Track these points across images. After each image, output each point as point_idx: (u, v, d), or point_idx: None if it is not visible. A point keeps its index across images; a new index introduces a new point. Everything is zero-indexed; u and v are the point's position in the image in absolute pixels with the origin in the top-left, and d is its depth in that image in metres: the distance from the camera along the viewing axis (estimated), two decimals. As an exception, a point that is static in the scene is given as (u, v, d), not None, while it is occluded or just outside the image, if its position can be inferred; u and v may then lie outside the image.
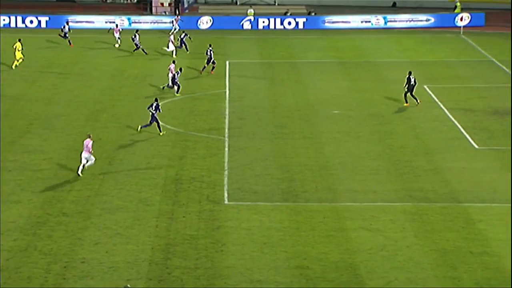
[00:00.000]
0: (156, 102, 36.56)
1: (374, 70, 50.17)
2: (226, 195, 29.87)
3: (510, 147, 34.97)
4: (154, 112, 36.25)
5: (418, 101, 41.14)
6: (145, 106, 42.17)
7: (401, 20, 65.13)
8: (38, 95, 43.77)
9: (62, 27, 56.47)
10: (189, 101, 42.88)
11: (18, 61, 49.08)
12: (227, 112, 40.74)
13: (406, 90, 41.15)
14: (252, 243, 25.86)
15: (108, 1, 74.95)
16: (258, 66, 51.01)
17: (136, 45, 53.35)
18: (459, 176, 31.52)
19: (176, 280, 23.67)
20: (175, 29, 60.48)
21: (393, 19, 65.07)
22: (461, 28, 61.86)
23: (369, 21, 64.91)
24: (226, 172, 32.17)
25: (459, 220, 27.40)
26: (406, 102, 41.18)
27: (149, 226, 27.17)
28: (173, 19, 62.03)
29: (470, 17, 64.33)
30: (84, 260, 24.72)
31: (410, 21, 65.06)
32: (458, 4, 67.67)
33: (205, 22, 63.82)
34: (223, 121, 39.20)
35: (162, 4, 69.40)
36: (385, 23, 64.92)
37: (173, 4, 69.28)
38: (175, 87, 43.42)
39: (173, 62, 45.25)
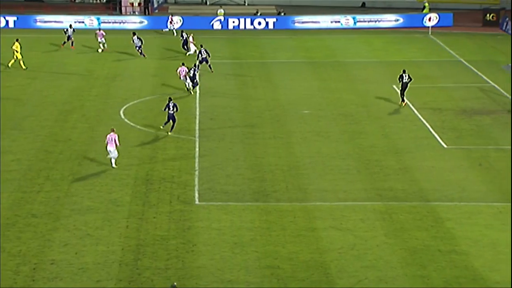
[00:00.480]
0: (171, 102, 36.51)
1: (344, 70, 50.39)
2: (196, 195, 29.81)
3: (477, 146, 35.35)
4: (172, 111, 36.23)
5: (404, 103, 41.07)
6: (115, 106, 41.98)
7: (370, 21, 65.48)
8: (6, 95, 43.32)
9: (65, 30, 54.98)
10: (159, 102, 42.71)
11: (20, 61, 48.57)
12: (197, 113, 40.66)
13: (400, 89, 41.23)
14: (223, 243, 25.84)
15: (76, 1, 74.39)
16: (228, 66, 50.98)
17: (137, 47, 52.00)
18: (428, 175, 31.77)
19: (147, 281, 23.58)
20: (170, 29, 59.95)
21: (362, 20, 65.40)
22: (430, 28, 62.35)
23: (339, 21, 65.18)
24: (196, 173, 32.12)
25: (428, 219, 27.62)
26: (403, 100, 41.26)
27: (119, 227, 27.03)
28: (168, 20, 61.43)
29: (438, 17, 64.87)
30: (54, 261, 24.52)
31: (379, 21, 65.44)
32: (427, 4, 68.20)
33: (175, 22, 63.57)
34: (193, 122, 39.10)
35: (131, 4, 69.07)
36: (354, 23, 65.22)
37: (142, 4, 68.97)
38: (189, 84, 43.45)
39: (182, 64, 44.75)
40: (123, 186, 30.60)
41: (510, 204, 28.89)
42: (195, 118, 39.72)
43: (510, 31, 61.65)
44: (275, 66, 51.54)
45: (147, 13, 68.26)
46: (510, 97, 42.95)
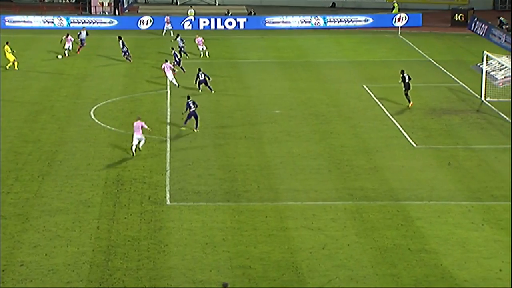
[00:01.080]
0: (190, 100, 36.76)
1: (314, 70, 50.56)
2: (168, 195, 29.72)
3: (446, 146, 35.65)
4: (193, 109, 36.42)
5: (411, 103, 41.00)
6: (85, 107, 41.74)
7: (340, 21, 65.78)
8: (-26, 96, 42.85)
9: (79, 33, 53.32)
10: (130, 102, 42.54)
11: (13, 63, 48.22)
12: (168, 113, 40.53)
13: (404, 89, 41.23)
14: (194, 243, 25.79)
15: (46, 1, 73.77)
16: (200, 66, 50.80)
17: (124, 51, 51.31)
18: (398, 175, 31.98)
19: (118, 282, 23.45)
20: (167, 30, 59.64)
21: (332, 20, 65.68)
22: (399, 28, 62.78)
23: (309, 22, 65.38)
24: (167, 173, 32.01)
25: (398, 218, 27.80)
26: (409, 101, 41.33)
27: (90, 227, 26.85)
28: (165, 20, 60.97)
29: (407, 17, 65.36)
30: (23, 263, 24.29)
31: (349, 21, 65.75)
32: (396, 4, 68.66)
33: (145, 22, 63.39)
34: (164, 122, 38.97)
35: (101, 4, 68.64)
36: (325, 23, 65.49)
37: (112, 4, 68.59)
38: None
39: (166, 60, 44.78)
40: (94, 187, 30.40)
41: (480, 203, 29.18)
42: (166, 118, 39.59)
43: (478, 31, 62.27)
44: (246, 66, 51.55)
45: (117, 13, 67.88)
46: (479, 96, 43.38)
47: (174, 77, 44.57)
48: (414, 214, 28.14)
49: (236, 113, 40.50)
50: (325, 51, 56.87)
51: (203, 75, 43.79)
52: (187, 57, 51.42)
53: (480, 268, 24.26)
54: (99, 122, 38.72)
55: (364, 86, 46.08)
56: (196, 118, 36.89)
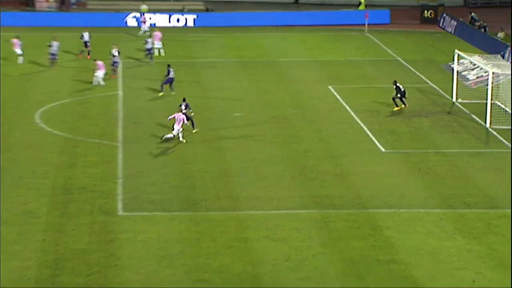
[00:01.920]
0: (184, 102, 37.17)
1: (277, 70, 50.72)
2: (120, 205, 29.55)
3: (416, 150, 36.02)
4: (185, 111, 36.68)
5: (406, 105, 41.40)
6: (30, 110, 41.31)
7: (304, 18, 66.08)
8: None
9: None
10: (79, 104, 42.23)
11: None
12: (120, 116, 40.33)
13: (399, 96, 41.22)
14: (149, 256, 25.67)
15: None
16: (153, 66, 50.71)
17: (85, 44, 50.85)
18: (365, 181, 32.20)
19: (66, 299, 23.24)
20: (144, 31, 58.98)
21: (296, 17, 65.94)
22: (366, 25, 63.29)
23: (271, 19, 65.58)
24: (120, 181, 31.84)
25: (366, 227, 27.98)
26: (397, 105, 41.41)
27: (35, 240, 26.57)
28: (141, 20, 60.32)
29: (374, 14, 65.90)
30: (-37, 280, 23.95)
31: (313, 18, 66.09)
32: (362, 0, 69.21)
33: (94, 19, 62.97)
34: (116, 126, 38.77)
35: (46, -1, 68.06)
36: (288, 20, 65.73)
37: (58, -1, 68.04)
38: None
39: (94, 60, 45.19)
40: (40, 196, 30.11)
41: (452, 210, 29.50)
42: (118, 121, 39.39)
43: (449, 29, 63.05)
44: (204, 66, 51.52)
45: (63, 9, 67.34)
46: (450, 98, 43.91)
47: (103, 76, 44.52)
48: (383, 223, 28.36)
49: (194, 116, 40.41)
50: (289, 50, 57.09)
51: (172, 73, 43.68)
52: (151, 62, 51.09)
53: (452, 280, 24.52)
54: (45, 126, 38.37)
55: (330, 87, 46.35)
56: (190, 120, 37.17)
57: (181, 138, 35.80)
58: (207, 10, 68.87)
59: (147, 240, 26.72)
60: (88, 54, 51.49)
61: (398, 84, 41.68)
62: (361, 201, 30.26)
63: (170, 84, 43.82)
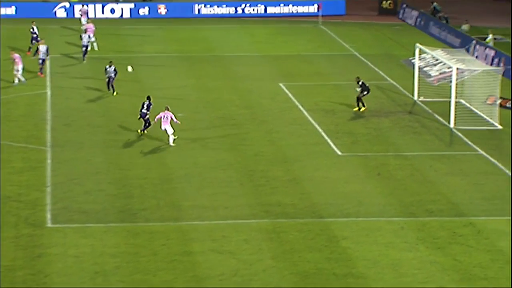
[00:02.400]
0: (147, 101, 37.41)
1: (223, 66, 50.77)
2: (49, 216, 29.32)
3: (375, 153, 36.35)
4: (146, 111, 37.14)
5: (363, 108, 41.46)
6: None
7: (253, 7, 66.23)
8: None
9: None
10: (2, 105, 41.72)
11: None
12: (49, 117, 40.00)
13: (363, 95, 41.18)
14: (82, 272, 25.51)
15: None
16: (85, 63, 50.31)
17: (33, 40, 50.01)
18: (320, 187, 32.41)
19: (-11, 322, 22.96)
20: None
21: (243, 7, 66.07)
22: (319, 17, 63.72)
23: (215, 8, 65.59)
24: (48, 189, 31.60)
25: (321, 238, 28.16)
26: (361, 106, 41.43)
27: (-46, 257, 26.21)
28: (80, 12, 59.31)
29: (329, 5, 66.35)
30: None
31: (262, 9, 66.28)
32: (316, -11, 69.65)
33: (13, 9, 62.18)
34: (44, 128, 38.45)
35: None
36: (235, 11, 65.84)
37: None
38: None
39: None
40: (-42, 207, 29.71)
41: (413, 219, 29.83)
42: (46, 124, 39.06)
43: (409, 20, 63.80)
44: (142, 61, 51.32)
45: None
46: (411, 96, 44.42)
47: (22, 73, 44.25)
48: (339, 233, 28.55)
49: (131, 118, 40.24)
50: (235, 43, 57.18)
51: (113, 71, 43.38)
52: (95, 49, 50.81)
53: (415, 294, 24.82)
54: (-36, 129, 37.89)
55: (281, 84, 46.54)
56: (145, 121, 37.30)
57: (171, 142, 36.14)
58: (144, 0, 68.61)
59: (79, 255, 26.53)
60: (37, 50, 50.43)
61: (362, 81, 41.60)
62: (316, 209, 30.43)
63: (109, 82, 43.56)
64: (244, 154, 35.90)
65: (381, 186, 32.66)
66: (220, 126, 39.35)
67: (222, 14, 65.61)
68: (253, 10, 65.99)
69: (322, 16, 63.77)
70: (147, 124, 37.39)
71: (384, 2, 67.87)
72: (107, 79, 43.68)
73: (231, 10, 65.83)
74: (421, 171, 34.31)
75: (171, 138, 36.23)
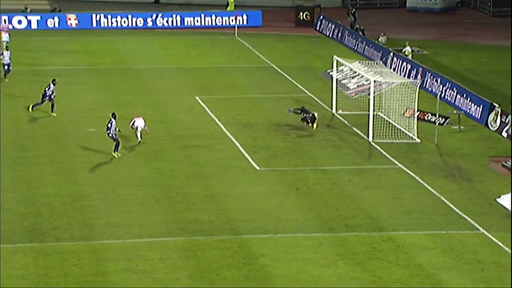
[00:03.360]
0: (113, 119, 37.19)
1: (137, 79, 50.55)
2: (-47, 237, 28.73)
3: (294, 168, 36.65)
4: (109, 131, 36.97)
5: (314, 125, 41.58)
6: None
7: (166, 19, 66.14)
8: None
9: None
10: None
11: None
12: (-48, 133, 39.22)
13: (307, 115, 41.16)
14: (-11, 296, 25.06)
15: None
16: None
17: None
18: (238, 203, 32.51)
19: None
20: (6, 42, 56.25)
21: (156, 18, 65.92)
22: (236, 28, 64.01)
23: (128, 20, 65.32)
24: (-47, 209, 30.96)
25: (239, 256, 28.24)
26: (314, 124, 41.22)
27: None
28: (3, 28, 57.34)
29: (245, 15, 66.74)
30: None
31: (176, 20, 66.24)
32: (231, 1, 69.97)
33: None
34: None
35: None
36: (148, 23, 65.64)
37: None
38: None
39: None
40: None
41: (333, 234, 30.15)
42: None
43: (326, 32, 64.54)
44: (51, 74, 50.62)
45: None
46: (329, 109, 44.93)
47: None
48: (258, 250, 28.68)
49: (40, 133, 39.75)
50: (149, 56, 57.00)
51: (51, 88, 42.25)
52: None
53: (335, 311, 25.09)
54: None
55: (197, 97, 46.56)
56: (113, 139, 36.99)
57: (139, 138, 38.61)
58: (53, 10, 67.92)
59: (-14, 278, 26.07)
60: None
61: (305, 109, 41.95)
62: (234, 226, 30.51)
63: (50, 99, 42.36)
64: (159, 170, 35.79)
65: (299, 201, 32.94)
66: (135, 141, 39.15)
67: (134, 26, 65.29)
68: (166, 22, 65.88)
69: (239, 27, 64.09)
70: (116, 144, 36.95)
71: (301, 13, 68.51)
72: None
73: (143, 21, 65.53)
74: (340, 185, 34.72)
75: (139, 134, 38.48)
